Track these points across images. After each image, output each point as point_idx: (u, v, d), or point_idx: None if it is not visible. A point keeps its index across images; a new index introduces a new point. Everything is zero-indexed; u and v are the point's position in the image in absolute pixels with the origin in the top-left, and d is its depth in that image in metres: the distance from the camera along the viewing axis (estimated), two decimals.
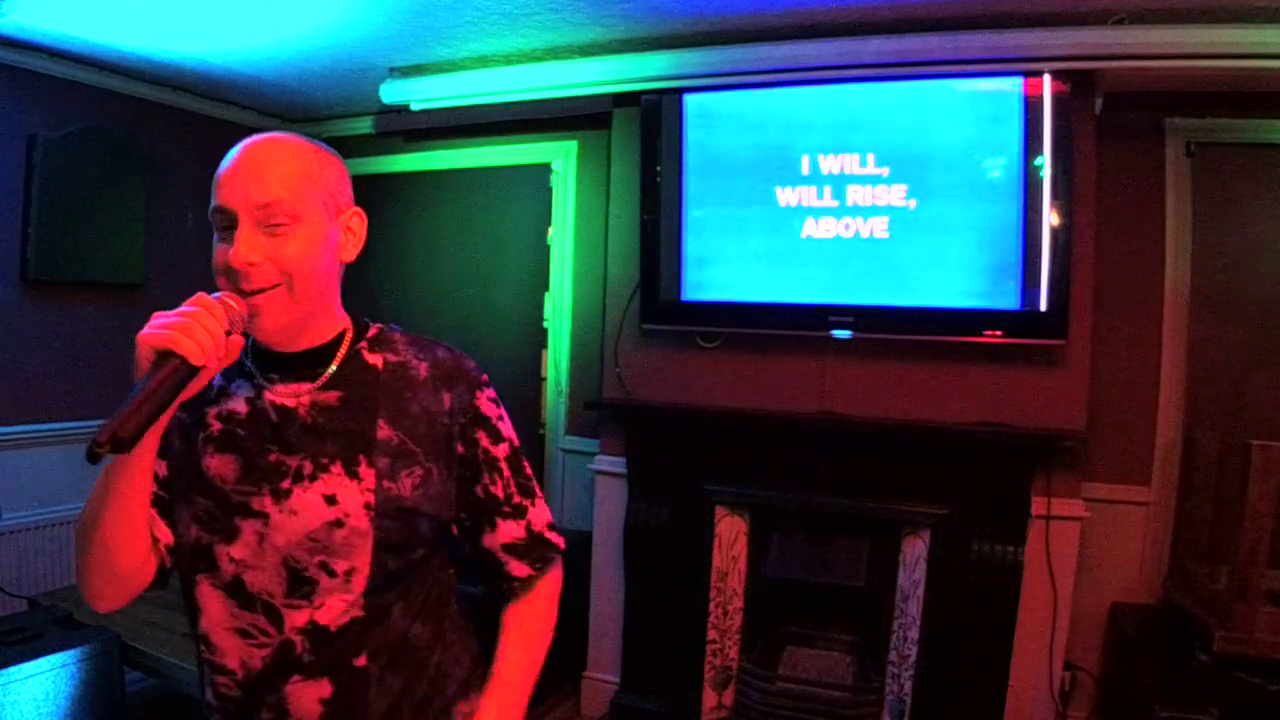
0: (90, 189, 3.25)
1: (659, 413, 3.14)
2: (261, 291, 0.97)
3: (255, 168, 0.97)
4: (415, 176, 3.99)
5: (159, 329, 0.88)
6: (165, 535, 1.04)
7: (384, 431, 1.04)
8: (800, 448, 2.96)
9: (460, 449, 1.10)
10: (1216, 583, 2.47)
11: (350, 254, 1.08)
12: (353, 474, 1.02)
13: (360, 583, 1.02)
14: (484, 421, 1.12)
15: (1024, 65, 2.63)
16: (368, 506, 1.01)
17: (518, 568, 1.16)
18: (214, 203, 0.98)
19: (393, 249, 4.02)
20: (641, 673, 3.17)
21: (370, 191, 4.09)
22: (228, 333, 0.92)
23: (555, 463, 3.73)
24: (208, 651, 1.05)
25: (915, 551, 2.80)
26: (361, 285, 4.10)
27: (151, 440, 0.93)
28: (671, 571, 3.11)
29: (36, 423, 3.18)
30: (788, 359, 3.03)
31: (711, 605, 3.05)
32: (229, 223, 0.97)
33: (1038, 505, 2.72)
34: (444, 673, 1.13)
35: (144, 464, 0.94)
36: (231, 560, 1.01)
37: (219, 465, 1.03)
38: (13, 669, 2.20)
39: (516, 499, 1.15)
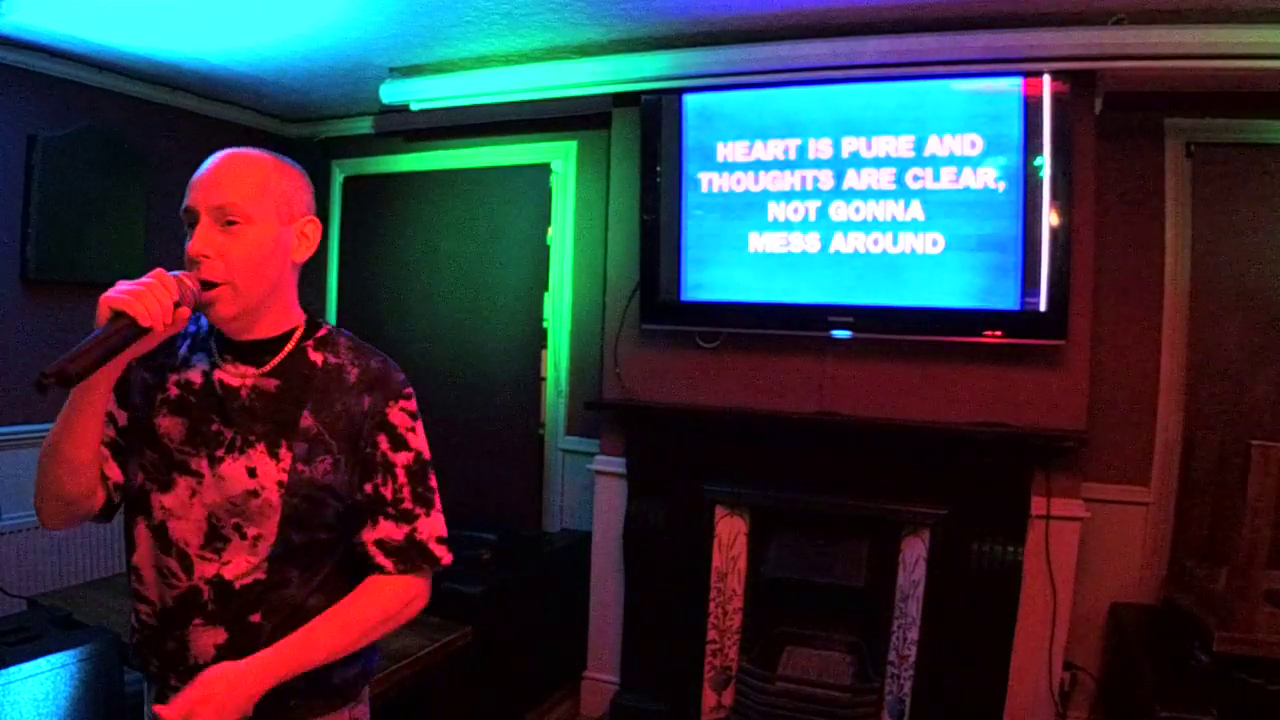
0: (90, 189, 3.25)
1: (659, 413, 3.14)
2: (214, 285, 1.12)
3: (217, 175, 1.15)
4: (415, 176, 3.99)
5: (119, 293, 1.03)
6: (115, 474, 1.20)
7: (306, 421, 1.19)
8: (800, 448, 2.96)
9: (364, 448, 1.21)
10: (1216, 583, 2.47)
11: (301, 256, 1.22)
12: (274, 454, 1.17)
13: (264, 549, 1.16)
14: (390, 429, 1.23)
15: (1024, 65, 2.63)
16: (280, 484, 1.16)
17: (383, 561, 1.23)
18: (184, 204, 1.15)
19: (393, 249, 4.02)
20: (641, 673, 3.17)
21: (370, 191, 4.10)
22: (176, 304, 1.06)
23: (555, 463, 3.73)
24: (136, 582, 1.21)
25: (915, 551, 2.80)
26: (362, 285, 4.11)
27: (105, 387, 1.08)
28: (671, 571, 3.11)
29: (36, 423, 3.18)
30: (787, 359, 3.03)
31: (711, 605, 3.05)
32: (193, 220, 1.14)
33: (1037, 505, 2.72)
34: None
35: (96, 407, 1.09)
36: (162, 508, 1.18)
37: (169, 425, 1.19)
38: (12, 669, 2.19)
39: (406, 505, 1.23)
